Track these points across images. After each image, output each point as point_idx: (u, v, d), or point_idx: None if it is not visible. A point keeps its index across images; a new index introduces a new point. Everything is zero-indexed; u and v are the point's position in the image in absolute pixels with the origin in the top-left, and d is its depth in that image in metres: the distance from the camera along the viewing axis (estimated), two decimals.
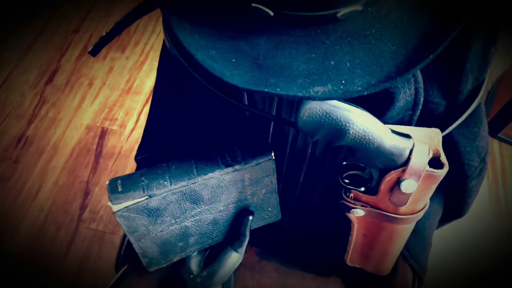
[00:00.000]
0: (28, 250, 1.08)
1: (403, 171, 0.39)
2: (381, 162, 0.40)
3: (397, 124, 0.42)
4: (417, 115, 0.41)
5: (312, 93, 0.33)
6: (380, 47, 0.34)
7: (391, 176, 0.40)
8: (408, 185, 0.40)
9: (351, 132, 0.37)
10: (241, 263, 0.66)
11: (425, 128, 0.41)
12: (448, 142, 0.45)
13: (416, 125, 0.43)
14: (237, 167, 0.50)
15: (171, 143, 0.61)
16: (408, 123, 0.42)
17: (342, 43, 0.34)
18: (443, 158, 0.41)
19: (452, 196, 0.53)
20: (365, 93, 0.32)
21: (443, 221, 0.59)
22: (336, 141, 0.39)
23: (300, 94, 0.33)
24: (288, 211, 0.61)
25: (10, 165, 1.21)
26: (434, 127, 0.42)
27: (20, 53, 1.44)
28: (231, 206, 0.55)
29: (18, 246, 1.09)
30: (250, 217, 0.56)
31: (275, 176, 0.54)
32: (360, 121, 0.37)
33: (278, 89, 0.34)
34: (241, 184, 0.53)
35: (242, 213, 0.56)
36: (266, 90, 0.34)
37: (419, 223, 0.53)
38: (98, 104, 1.34)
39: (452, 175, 0.50)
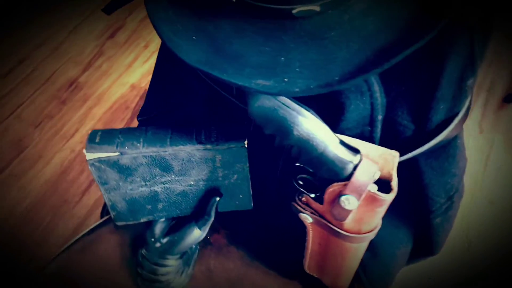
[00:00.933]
0: (49, 186, 1.18)
1: (345, 185, 0.38)
2: (325, 171, 0.38)
3: (357, 138, 0.40)
4: (378, 133, 0.39)
5: (253, 84, 0.33)
6: (335, 53, 0.33)
7: (334, 188, 0.39)
8: (348, 201, 0.38)
9: (295, 133, 0.37)
10: (209, 243, 0.68)
11: (383, 148, 0.39)
12: (414, 171, 0.43)
13: (380, 144, 0.41)
14: (208, 146, 0.51)
15: (172, 108, 0.63)
16: (369, 139, 0.40)
17: (299, 42, 0.34)
18: (394, 183, 0.39)
19: (419, 232, 0.50)
20: (300, 95, 0.32)
21: (415, 257, 0.55)
22: (283, 139, 0.38)
23: (241, 83, 0.33)
24: (264, 205, 0.61)
25: (58, 105, 1.32)
26: (400, 150, 0.40)
27: (93, 7, 1.56)
28: (201, 183, 0.56)
29: (42, 179, 1.19)
30: (217, 198, 0.56)
31: (247, 164, 0.54)
32: (306, 124, 0.36)
33: (225, 75, 0.34)
34: (212, 164, 0.53)
35: (211, 192, 0.57)
36: (213, 73, 0.34)
37: (380, 249, 0.51)
38: (148, 67, 1.41)
39: (416, 207, 0.47)
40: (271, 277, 0.65)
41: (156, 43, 1.47)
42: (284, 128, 0.37)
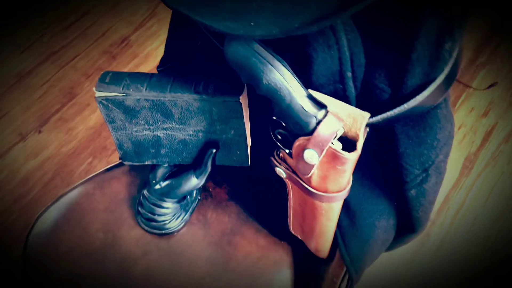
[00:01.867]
0: (93, 131, 1.28)
1: (309, 139, 0.38)
2: (292, 124, 0.39)
3: (331, 96, 0.40)
4: (351, 92, 0.39)
5: (221, 25, 0.35)
6: (306, 3, 0.33)
7: (299, 142, 0.40)
8: (310, 156, 0.39)
9: (264, 82, 0.38)
10: (210, 195, 0.71)
11: (353, 108, 0.39)
12: (389, 138, 0.42)
13: (357, 105, 0.40)
14: (204, 97, 0.54)
15: (184, 60, 0.66)
16: (343, 98, 0.40)
17: None
18: (359, 144, 0.38)
19: (398, 205, 0.49)
20: (260, 38, 0.32)
21: (399, 234, 0.54)
22: (255, 87, 0.39)
23: (209, 23, 0.35)
24: (262, 164, 0.63)
25: (108, 59, 1.41)
26: (375, 114, 0.40)
27: None
28: (200, 134, 0.59)
29: (88, 125, 1.30)
30: (214, 150, 0.59)
31: (243, 121, 0.56)
32: (274, 74, 0.37)
33: (199, 16, 0.36)
34: (209, 116, 0.56)
35: (209, 144, 0.60)
36: (188, 13, 0.36)
37: (357, 215, 0.51)
38: None
39: (389, 177, 0.46)
40: (262, 234, 0.67)
41: None
42: (255, 76, 0.38)
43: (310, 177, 0.42)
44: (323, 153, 0.38)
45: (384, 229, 0.52)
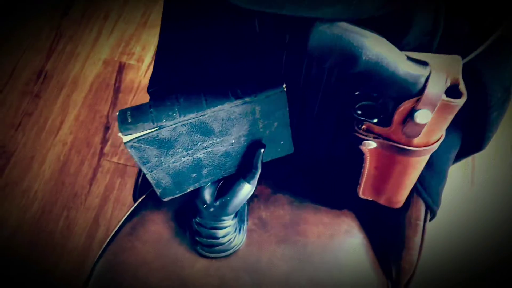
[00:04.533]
0: (54, 183, 1.13)
1: (418, 100, 0.37)
2: (395, 90, 0.37)
3: (414, 50, 0.39)
4: (437, 41, 0.38)
5: (320, 13, 0.31)
6: None
7: (405, 106, 0.38)
8: (422, 116, 0.38)
9: (363, 58, 0.35)
10: (255, 195, 0.68)
11: (444, 55, 0.38)
12: (469, 71, 0.42)
13: (436, 52, 0.40)
14: (247, 99, 0.49)
15: (182, 74, 0.60)
16: (427, 49, 0.39)
17: None
18: (462, 87, 0.38)
19: (471, 128, 0.51)
20: (376, 13, 0.30)
21: (461, 154, 0.57)
22: (349, 67, 0.36)
23: (307, 15, 0.31)
24: (302, 143, 0.60)
25: (32, 99, 1.24)
26: (455, 54, 0.39)
27: None
28: (242, 139, 0.54)
29: (43, 179, 1.14)
30: (262, 150, 0.55)
31: (287, 109, 0.53)
32: (374, 46, 0.34)
33: (284, 10, 0.31)
34: (252, 117, 0.52)
35: (254, 145, 0.56)
36: (270, 10, 0.32)
37: (434, 156, 0.52)
38: (115, 38, 1.32)
39: (472, 105, 0.47)
40: (322, 212, 0.66)
41: (116, 10, 1.36)
42: (351, 55, 0.35)
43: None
44: (436, 108, 0.37)
45: (452, 157, 0.54)
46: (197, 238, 0.60)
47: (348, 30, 0.34)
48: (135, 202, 0.70)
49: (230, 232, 0.60)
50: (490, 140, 0.52)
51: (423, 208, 0.58)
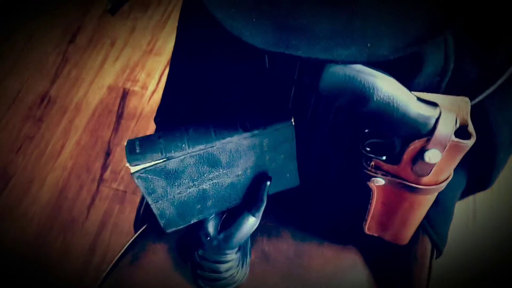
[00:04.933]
0: (51, 208, 1.12)
1: (428, 140, 0.37)
2: (405, 130, 0.38)
3: (423, 91, 0.39)
4: (446, 82, 0.39)
5: (335, 55, 0.32)
6: (408, 9, 0.31)
7: (415, 145, 0.39)
8: (432, 155, 0.38)
9: (375, 99, 0.36)
10: (257, 228, 0.67)
11: (453, 96, 0.39)
12: (477, 112, 0.43)
13: (444, 93, 0.40)
14: (255, 132, 0.49)
15: (191, 105, 0.60)
16: (435, 90, 0.40)
17: (369, 3, 0.32)
18: (471, 128, 0.39)
19: (478, 167, 0.51)
20: (391, 57, 0.30)
21: (467, 192, 0.57)
22: (359, 107, 0.37)
23: (323, 57, 0.31)
24: (307, 178, 0.60)
25: (35, 123, 1.24)
26: (463, 95, 0.40)
27: (43, 12, 1.44)
28: (249, 170, 0.54)
29: (41, 203, 1.13)
30: (268, 183, 0.55)
31: (294, 142, 0.53)
32: (385, 87, 0.35)
33: (300, 51, 0.32)
34: (259, 149, 0.52)
35: (260, 178, 0.55)
36: (287, 52, 0.32)
37: (441, 194, 0.51)
38: (120, 64, 1.34)
39: (479, 145, 0.47)
40: (326, 247, 0.65)
41: (122, 38, 1.39)
42: (363, 96, 0.35)
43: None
44: (446, 148, 0.38)
45: (458, 196, 0.54)
46: (199, 272, 0.59)
47: (360, 71, 0.35)
48: (136, 230, 0.69)
49: (233, 267, 0.59)
50: (496, 178, 0.53)
51: (429, 246, 0.58)
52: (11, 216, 1.11)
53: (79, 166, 1.15)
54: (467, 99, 0.39)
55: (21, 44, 1.36)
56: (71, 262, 1.05)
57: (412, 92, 0.38)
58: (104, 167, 1.16)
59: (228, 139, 0.49)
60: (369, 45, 0.31)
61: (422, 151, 0.39)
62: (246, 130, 0.49)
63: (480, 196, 1.15)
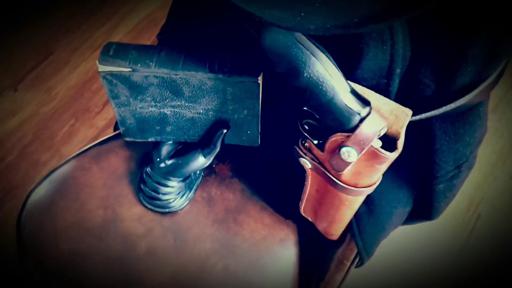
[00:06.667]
0: (74, 92, 1.21)
1: (348, 137, 0.37)
2: (330, 119, 0.37)
3: (372, 90, 0.38)
4: (394, 87, 0.37)
5: (266, 14, 0.31)
6: None
7: (336, 137, 0.38)
8: (348, 153, 0.37)
9: (305, 75, 0.35)
10: (215, 172, 0.69)
11: (396, 104, 0.37)
12: (425, 133, 0.41)
13: (396, 99, 0.38)
14: (220, 76, 0.50)
15: (189, 32, 0.61)
16: (384, 93, 0.38)
17: None
18: (400, 143, 0.37)
19: (420, 195, 0.49)
20: (314, 33, 0.29)
21: (411, 218, 0.55)
22: (292, 79, 0.36)
23: (254, 12, 0.31)
24: (271, 144, 0.61)
25: (83, 15, 1.31)
26: (415, 109, 0.38)
27: None
28: (210, 113, 0.55)
29: (68, 84, 1.22)
30: (225, 131, 0.56)
31: (259, 101, 0.53)
32: (318, 67, 0.34)
33: (239, 0, 0.32)
34: (222, 96, 0.53)
35: (219, 124, 0.57)
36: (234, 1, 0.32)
37: (376, 204, 0.51)
38: None
39: (420, 170, 0.45)
40: (267, 212, 0.66)
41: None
42: (295, 68, 0.35)
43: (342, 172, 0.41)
44: (363, 151, 0.37)
45: (399, 216, 0.53)
46: (142, 186, 0.63)
47: (301, 42, 0.34)
48: (115, 131, 0.74)
49: (172, 193, 0.62)
50: (441, 211, 0.50)
51: (355, 251, 0.57)
52: (39, 87, 1.22)
53: None
54: (409, 111, 0.37)
55: None
56: (71, 145, 1.14)
57: (351, 83, 0.37)
58: None
59: (193, 72, 0.50)
60: (302, 14, 0.30)
61: (340, 146, 0.38)
62: (211, 71, 0.50)
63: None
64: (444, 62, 0.35)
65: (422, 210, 0.52)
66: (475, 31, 0.32)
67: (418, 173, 0.46)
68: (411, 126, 0.39)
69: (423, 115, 0.36)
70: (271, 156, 0.66)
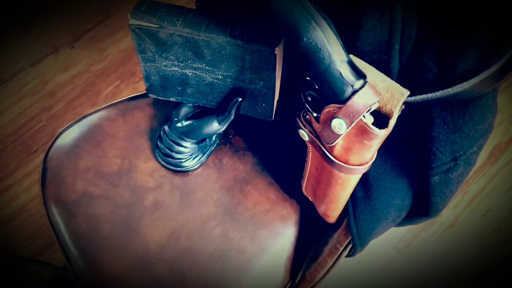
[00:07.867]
0: (124, 55, 1.28)
1: (340, 108, 0.37)
2: (326, 89, 0.37)
3: (373, 66, 0.38)
4: (395, 65, 0.36)
5: None
6: None
7: (329, 108, 0.38)
8: (338, 125, 0.37)
9: (304, 39, 0.35)
10: (230, 142, 0.71)
11: (393, 83, 0.36)
12: (423, 119, 0.40)
13: (397, 80, 0.38)
14: (239, 42, 0.51)
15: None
16: (385, 70, 0.37)
17: None
18: (392, 121, 0.37)
19: (418, 188, 0.48)
20: None
21: (411, 215, 0.54)
22: (293, 43, 0.37)
23: None
24: (287, 120, 0.61)
25: None
26: (415, 91, 0.37)
27: None
28: (228, 79, 0.57)
29: (119, 48, 1.29)
30: (240, 99, 0.58)
31: (275, 74, 0.54)
32: (317, 32, 0.35)
33: None
34: (241, 63, 0.54)
35: (236, 92, 0.58)
36: None
37: (373, 191, 0.50)
38: None
39: (414, 158, 0.45)
40: (274, 188, 0.67)
41: None
42: (295, 31, 0.35)
43: (333, 146, 0.41)
44: (353, 124, 0.37)
45: (397, 208, 0.52)
46: (158, 143, 0.66)
47: (302, 4, 0.35)
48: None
49: (185, 153, 0.65)
50: (438, 208, 0.49)
51: (349, 237, 0.57)
52: (93, 46, 1.30)
53: None
54: (406, 91, 0.36)
55: None
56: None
57: (352, 56, 0.37)
58: None
59: (214, 35, 0.52)
60: None
61: (332, 117, 0.38)
62: (232, 36, 0.52)
63: None
64: (447, 45, 0.34)
65: (419, 205, 0.50)
66: (479, 13, 0.31)
67: (415, 162, 0.45)
68: (410, 109, 0.39)
69: (418, 97, 0.36)
70: (286, 136, 0.67)
